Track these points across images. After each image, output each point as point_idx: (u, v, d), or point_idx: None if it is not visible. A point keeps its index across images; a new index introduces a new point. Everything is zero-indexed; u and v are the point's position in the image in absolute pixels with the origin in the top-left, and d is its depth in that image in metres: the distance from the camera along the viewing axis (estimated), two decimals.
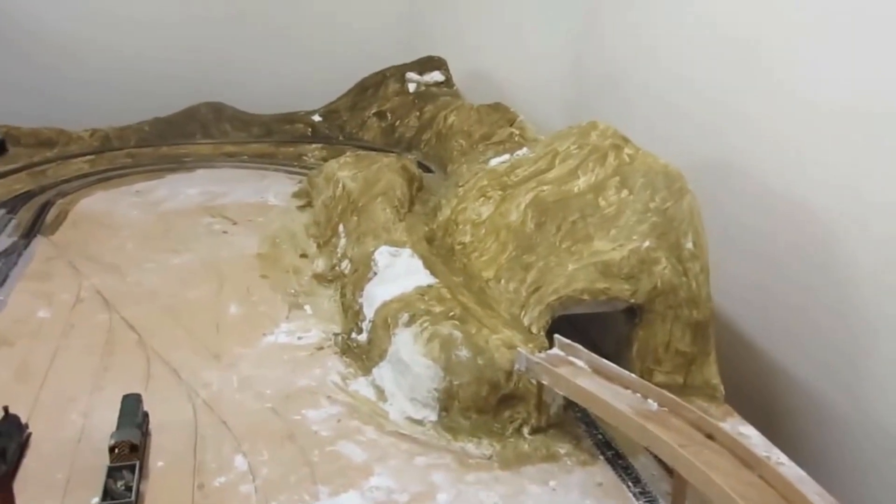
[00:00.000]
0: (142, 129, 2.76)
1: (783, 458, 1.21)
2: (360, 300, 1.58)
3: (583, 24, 2.39)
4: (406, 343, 1.38)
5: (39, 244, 1.89)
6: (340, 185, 2.05)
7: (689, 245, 1.45)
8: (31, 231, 1.95)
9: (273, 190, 2.33)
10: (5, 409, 1.16)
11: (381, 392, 1.36)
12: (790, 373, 1.60)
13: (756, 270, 1.68)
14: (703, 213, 1.46)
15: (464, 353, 1.32)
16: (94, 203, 2.18)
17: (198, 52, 2.95)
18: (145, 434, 1.18)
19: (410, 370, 1.34)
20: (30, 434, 1.19)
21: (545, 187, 1.61)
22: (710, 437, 1.09)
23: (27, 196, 2.17)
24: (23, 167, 2.39)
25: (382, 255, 1.66)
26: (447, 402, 1.29)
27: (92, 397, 1.30)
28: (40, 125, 2.67)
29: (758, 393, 1.65)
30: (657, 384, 1.23)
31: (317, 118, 2.91)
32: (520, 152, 1.82)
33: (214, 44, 2.97)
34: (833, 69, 1.46)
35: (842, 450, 1.48)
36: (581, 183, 1.59)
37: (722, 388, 1.40)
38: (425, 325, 1.38)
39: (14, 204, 2.11)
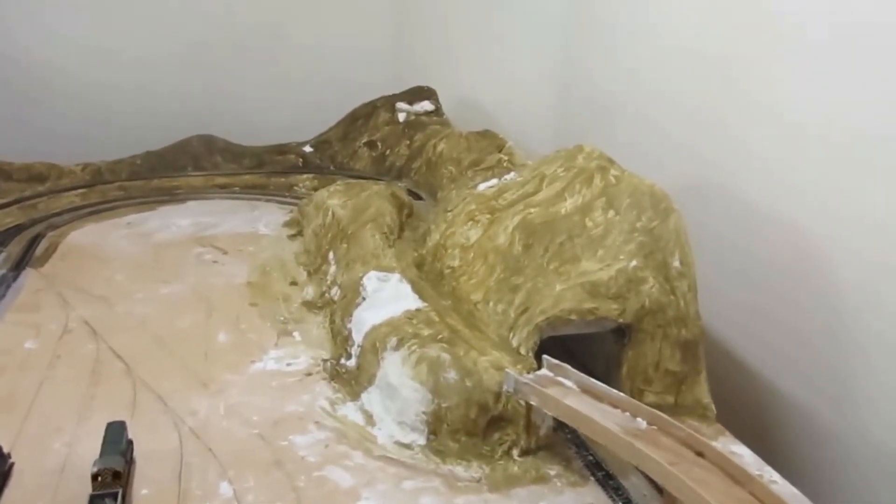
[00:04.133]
0: (134, 162, 2.77)
1: (775, 475, 1.20)
2: (348, 326, 1.58)
3: (568, 51, 2.43)
4: (394, 366, 1.37)
5: (28, 276, 1.89)
6: (330, 213, 2.06)
7: (677, 264, 1.45)
8: (21, 263, 1.94)
9: (264, 220, 2.34)
10: None
11: (369, 416, 1.35)
12: (781, 391, 1.60)
13: (745, 289, 1.68)
14: (690, 232, 1.47)
15: (452, 375, 1.31)
16: (85, 235, 2.18)
17: (189, 86, 2.98)
18: (129, 462, 1.16)
19: (399, 394, 1.33)
20: (12, 464, 1.17)
21: (532, 210, 1.62)
22: (700, 454, 1.08)
23: (17, 229, 2.18)
24: (14, 201, 2.39)
25: (371, 280, 1.66)
26: (436, 424, 1.28)
27: (77, 427, 1.29)
28: (32, 160, 2.68)
29: (749, 412, 1.64)
30: (648, 404, 1.22)
31: (308, 149, 2.93)
32: (508, 176, 1.83)
33: (206, 77, 3.00)
34: (814, 87, 1.48)
35: (834, 467, 1.47)
36: (568, 205, 1.59)
37: (713, 407, 1.39)
38: (413, 348, 1.38)
39: (4, 237, 2.11)
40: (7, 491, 1.12)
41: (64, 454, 1.21)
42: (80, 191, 2.55)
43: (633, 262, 1.44)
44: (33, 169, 2.64)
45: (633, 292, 1.41)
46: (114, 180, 2.65)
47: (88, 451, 1.17)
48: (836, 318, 1.46)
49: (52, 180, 2.62)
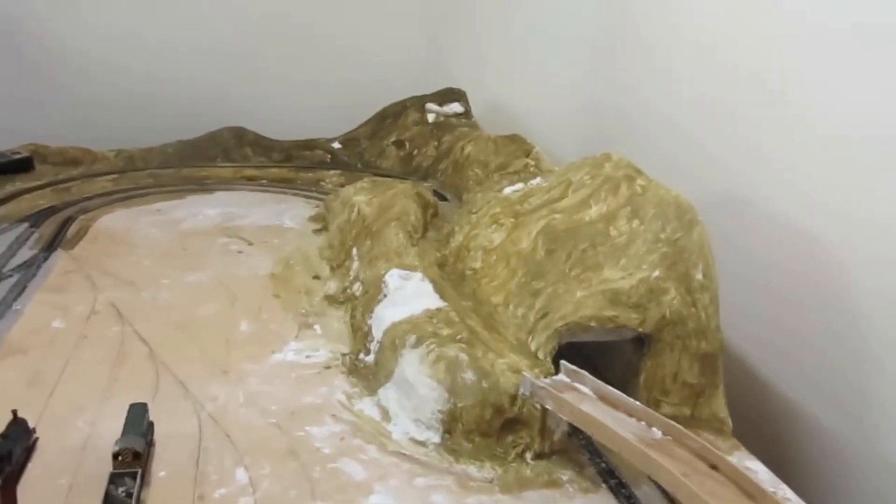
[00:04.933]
0: (165, 150, 2.81)
1: (790, 493, 1.20)
2: (369, 321, 1.59)
3: (600, 59, 2.43)
4: (412, 364, 1.38)
5: (59, 258, 1.93)
6: (355, 210, 2.08)
7: (699, 276, 1.44)
8: (52, 245, 1.98)
9: (290, 213, 2.36)
10: (14, 413, 1.17)
11: (385, 412, 1.37)
12: (800, 408, 1.58)
13: (766, 303, 1.67)
14: (716, 245, 1.47)
15: (469, 375, 1.32)
16: (115, 220, 2.22)
17: (223, 79, 3.02)
18: (149, 443, 1.19)
19: (415, 391, 1.34)
20: (37, 439, 1.20)
21: (557, 216, 1.62)
22: (714, 467, 1.08)
23: (50, 211, 2.22)
24: (48, 184, 2.44)
25: (393, 277, 1.67)
26: (451, 424, 1.29)
27: (100, 407, 1.32)
28: (68, 145, 2.73)
29: (767, 428, 1.63)
30: (664, 415, 1.22)
31: (336, 145, 2.95)
32: (534, 182, 1.84)
33: (240, 71, 3.04)
34: (843, 99, 1.47)
35: (853, 490, 1.45)
36: (593, 212, 1.60)
37: (730, 421, 1.38)
38: (432, 347, 1.39)
39: (37, 218, 2.16)
40: (31, 465, 1.15)
41: (86, 433, 1.24)
42: (113, 176, 2.59)
43: (656, 273, 1.44)
44: (68, 153, 2.70)
45: (654, 302, 1.41)
46: (145, 168, 2.69)
47: (110, 430, 1.20)
48: (858, 334, 1.44)
49: (86, 165, 2.67)
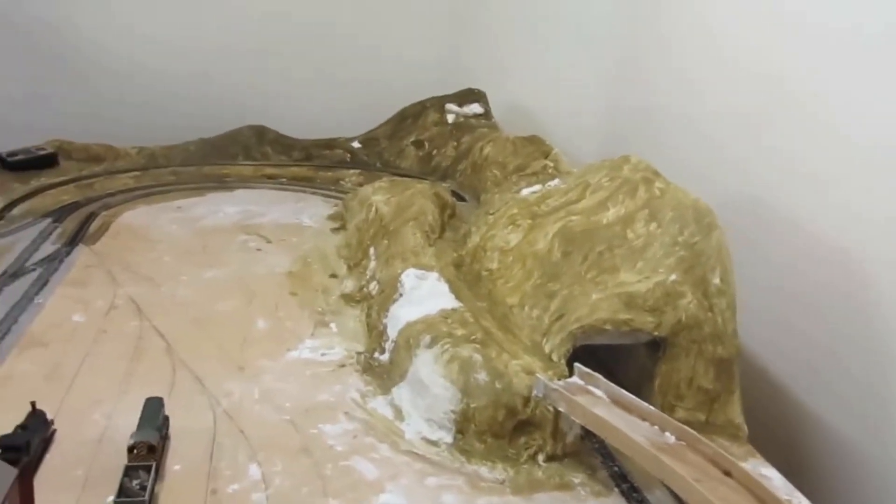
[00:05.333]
0: (187, 148, 2.84)
1: (805, 501, 1.18)
2: (384, 321, 1.60)
3: (621, 61, 2.41)
4: (426, 364, 1.38)
5: (81, 253, 1.95)
6: (373, 209, 2.08)
7: (717, 281, 1.43)
8: (74, 240, 2.01)
9: (309, 212, 2.37)
10: (32, 405, 1.19)
11: (398, 411, 1.37)
12: (818, 416, 1.56)
13: (785, 309, 1.65)
14: (732, 249, 1.45)
15: (482, 376, 1.32)
16: (136, 216, 2.25)
17: (245, 78, 3.04)
18: (164, 437, 1.20)
19: (429, 391, 1.35)
20: (54, 431, 1.22)
21: (574, 217, 1.62)
22: (727, 473, 1.07)
23: (73, 207, 2.25)
24: (71, 179, 2.48)
25: (409, 277, 1.68)
26: (463, 424, 1.29)
27: (117, 400, 1.33)
28: (91, 141, 2.77)
29: (784, 435, 1.61)
30: (678, 420, 1.21)
31: (356, 145, 2.96)
32: (552, 183, 1.83)
33: (261, 70, 3.06)
34: (871, 104, 1.45)
35: (868, 493, 1.43)
36: (610, 214, 1.59)
37: (745, 427, 1.37)
38: (446, 347, 1.39)
39: (60, 213, 2.19)
40: (48, 456, 1.17)
41: (103, 425, 1.26)
42: (135, 173, 2.62)
43: (672, 276, 1.43)
44: (92, 150, 2.73)
45: (670, 306, 1.40)
46: (167, 165, 2.72)
47: (126, 423, 1.21)
48: (879, 341, 1.42)
49: (109, 162, 2.70)
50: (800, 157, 1.63)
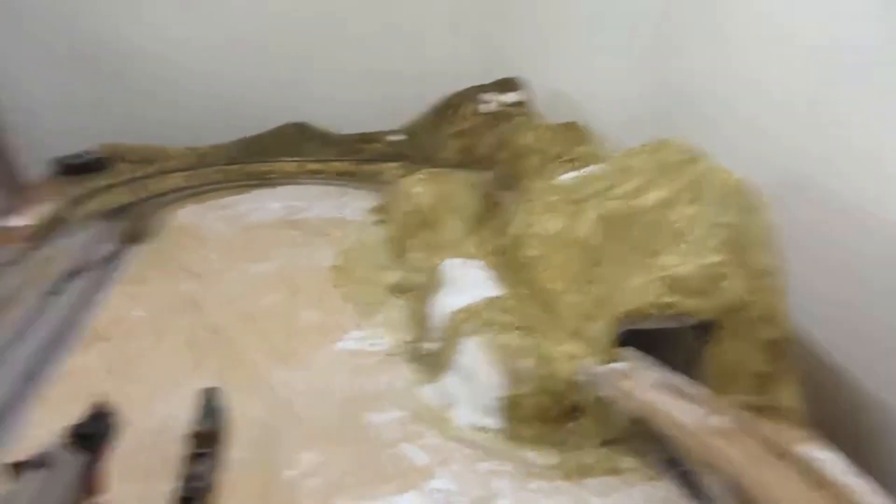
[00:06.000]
0: (232, 147, 2.90)
1: (866, 483, 1.16)
2: (429, 310, 1.62)
3: (663, 43, 2.38)
4: (472, 352, 1.40)
5: (136, 251, 2.02)
6: (415, 201, 2.11)
7: (763, 261, 1.41)
8: (131, 239, 2.08)
9: (351, 206, 2.41)
10: (98, 397, 1.24)
11: (446, 399, 1.39)
12: (877, 394, 1.53)
13: (842, 288, 1.61)
14: (785, 228, 1.43)
15: (528, 363, 1.33)
16: (187, 215, 2.31)
17: (286, 76, 3.08)
18: (222, 427, 1.24)
19: (475, 378, 1.36)
20: (119, 422, 1.27)
21: (615, 202, 1.61)
22: (780, 456, 1.06)
23: (128, 207, 2.32)
24: (125, 181, 2.55)
25: (452, 266, 1.70)
26: (511, 410, 1.31)
27: (175, 391, 1.38)
28: (142, 143, 2.85)
29: (843, 417, 1.58)
30: (731, 403, 1.20)
31: (397, 138, 2.98)
32: (591, 169, 1.83)
33: (302, 68, 3.09)
34: None
35: None
36: (651, 198, 1.58)
37: (802, 409, 1.35)
38: (491, 334, 1.40)
39: (116, 214, 2.26)
40: (113, 446, 1.21)
41: (164, 415, 1.31)
42: (184, 173, 2.69)
43: (717, 258, 1.41)
44: (143, 152, 2.81)
45: (714, 288, 1.39)
46: (214, 164, 2.78)
47: (185, 414, 1.25)
48: None
49: (160, 162, 2.78)
50: (856, 133, 1.59)
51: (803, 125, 1.75)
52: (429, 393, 1.41)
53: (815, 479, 1.01)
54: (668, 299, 1.40)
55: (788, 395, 1.37)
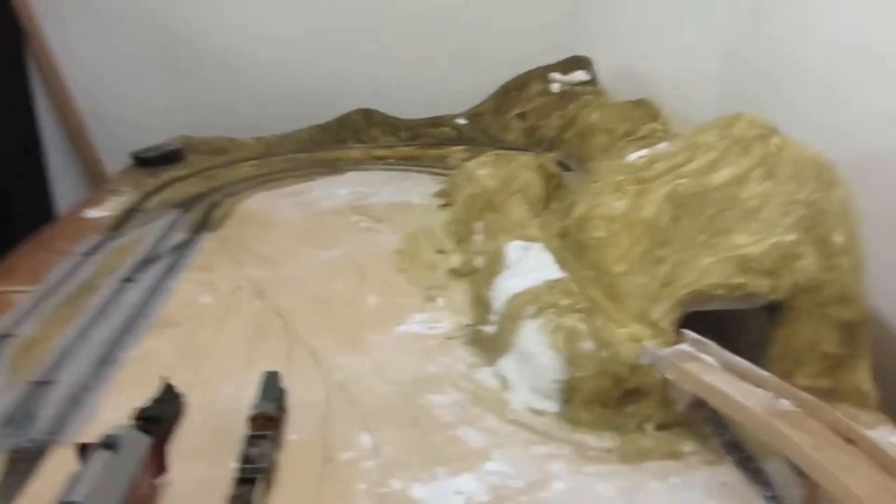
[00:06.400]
0: (299, 136, 2.96)
1: None
2: (490, 293, 1.61)
3: (739, 12, 2.28)
4: (531, 334, 1.38)
5: (206, 239, 2.08)
6: (479, 184, 2.09)
7: (840, 239, 1.34)
8: (200, 227, 2.15)
9: (416, 190, 2.41)
10: (165, 379, 1.29)
11: (504, 382, 1.38)
12: None
13: None
14: (868, 207, 1.35)
15: (588, 345, 1.30)
16: (256, 203, 2.37)
17: (351, 64, 3.11)
18: (282, 409, 1.27)
19: (534, 361, 1.34)
20: (186, 404, 1.32)
21: (683, 180, 1.55)
22: (850, 441, 1.00)
23: (199, 197, 2.40)
24: (196, 172, 2.64)
25: (514, 249, 1.68)
26: (569, 393, 1.29)
27: (241, 375, 1.42)
28: (214, 135, 2.94)
29: None
30: (800, 387, 1.14)
31: (461, 121, 2.97)
32: (660, 147, 1.77)
33: (366, 54, 3.12)
34: None
35: None
36: (722, 175, 1.51)
37: (875, 393, 1.28)
38: (551, 317, 1.38)
39: (187, 204, 2.34)
40: (181, 428, 1.26)
41: (229, 397, 1.34)
42: (253, 162, 2.76)
43: (790, 237, 1.34)
44: (214, 143, 2.90)
45: (787, 268, 1.32)
46: (282, 153, 2.85)
47: (250, 396, 1.28)
48: None
49: (230, 153, 2.86)
50: None
51: (887, 94, 1.64)
52: (487, 376, 1.40)
53: (887, 464, 0.95)
54: (737, 279, 1.34)
55: (862, 379, 1.29)
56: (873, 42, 1.70)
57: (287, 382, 1.32)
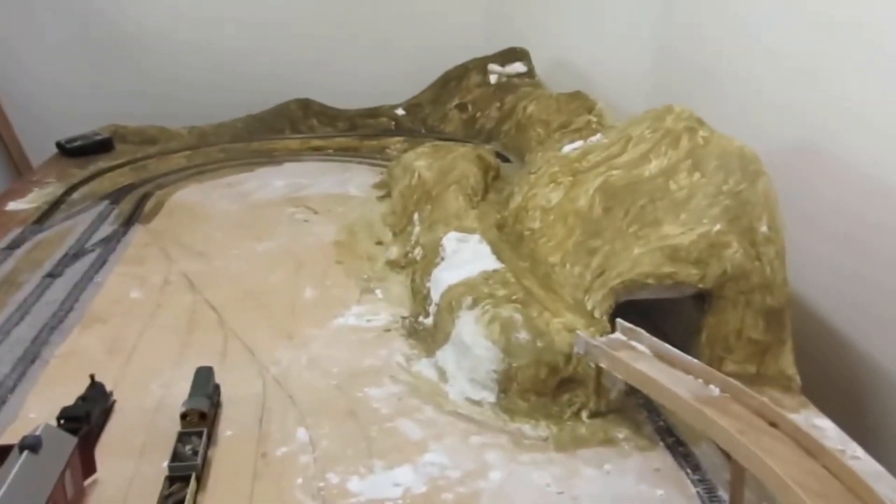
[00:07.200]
0: (235, 125, 2.89)
1: (860, 451, 1.15)
2: (427, 285, 1.61)
3: (669, 9, 2.33)
4: (468, 325, 1.39)
5: (137, 232, 2.02)
6: (416, 175, 2.09)
7: (764, 229, 1.39)
8: (130, 220, 2.08)
9: (355, 182, 2.40)
10: (92, 377, 1.25)
11: (442, 373, 1.38)
12: (875, 361, 1.51)
13: (844, 256, 1.58)
14: (790, 196, 1.40)
15: (524, 335, 1.32)
16: (189, 195, 2.31)
17: (288, 51, 3.07)
18: (215, 405, 1.24)
19: (471, 352, 1.35)
20: (114, 402, 1.28)
21: (615, 172, 1.58)
22: (773, 424, 1.04)
23: (129, 188, 2.33)
24: (126, 162, 2.56)
25: (451, 240, 1.68)
26: (506, 383, 1.30)
27: (172, 371, 1.39)
28: (145, 124, 2.85)
29: (842, 383, 1.56)
30: (728, 373, 1.18)
31: (400, 112, 2.96)
32: (594, 139, 1.79)
33: (303, 42, 3.08)
34: None
35: None
36: (652, 167, 1.55)
37: (798, 378, 1.33)
38: (487, 307, 1.39)
39: (117, 195, 2.27)
40: (108, 425, 1.22)
41: (159, 395, 1.31)
42: (187, 152, 2.69)
43: (717, 227, 1.39)
44: (146, 132, 2.82)
45: (714, 257, 1.36)
46: (217, 143, 2.78)
47: (181, 392, 1.25)
48: None
49: (162, 142, 2.78)
50: (856, 99, 1.55)
51: (806, 91, 1.71)
52: (425, 368, 1.40)
53: (809, 445, 0.99)
54: (667, 269, 1.38)
55: (786, 364, 1.35)
56: (788, 43, 1.77)
57: (221, 377, 1.30)
